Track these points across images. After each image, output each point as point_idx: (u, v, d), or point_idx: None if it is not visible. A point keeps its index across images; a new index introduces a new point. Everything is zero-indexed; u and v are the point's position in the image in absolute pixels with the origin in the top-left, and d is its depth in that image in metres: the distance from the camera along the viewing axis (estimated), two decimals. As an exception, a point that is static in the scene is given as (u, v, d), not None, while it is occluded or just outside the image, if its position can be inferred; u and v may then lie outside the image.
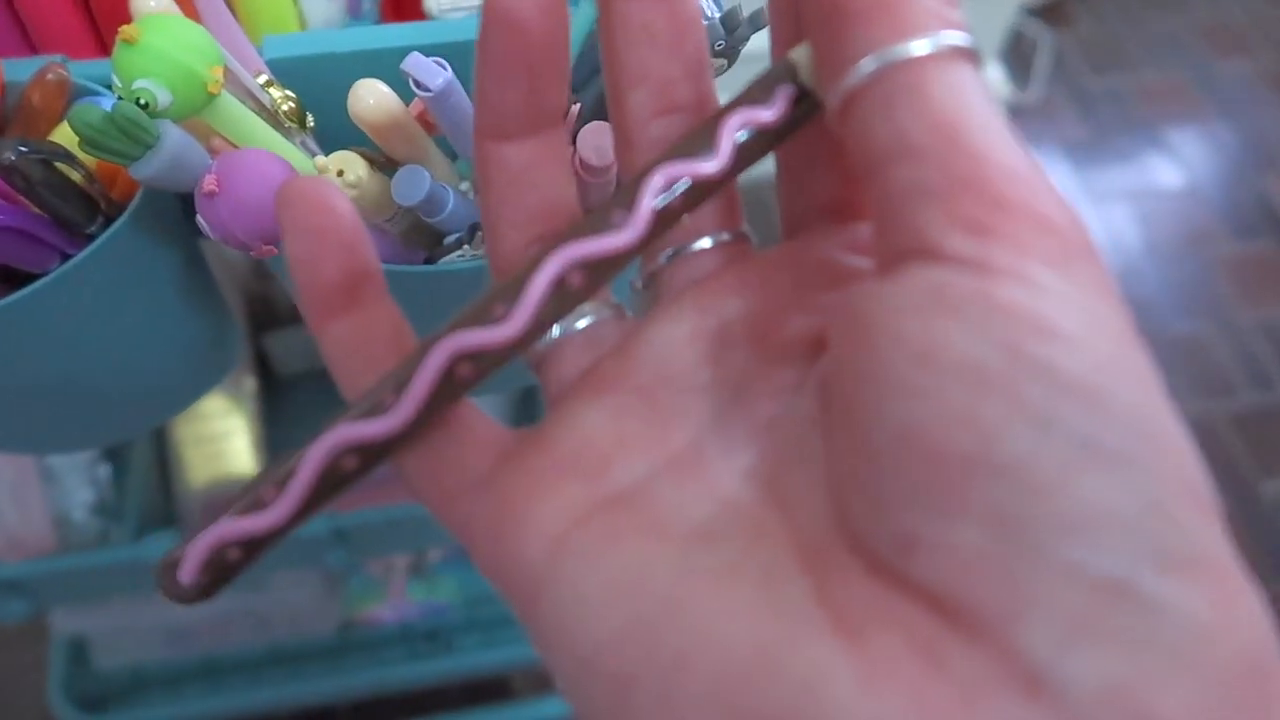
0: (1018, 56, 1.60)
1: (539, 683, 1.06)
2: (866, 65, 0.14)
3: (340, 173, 0.27)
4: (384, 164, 0.29)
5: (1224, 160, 1.51)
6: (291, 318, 0.70)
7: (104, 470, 0.66)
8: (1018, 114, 1.53)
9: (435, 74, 0.26)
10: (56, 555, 0.61)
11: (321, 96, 0.29)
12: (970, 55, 0.14)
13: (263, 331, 0.70)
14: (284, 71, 0.30)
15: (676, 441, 0.16)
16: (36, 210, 0.28)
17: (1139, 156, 1.51)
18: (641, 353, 0.17)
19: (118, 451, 0.68)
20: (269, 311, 0.69)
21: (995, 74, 1.40)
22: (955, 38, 0.14)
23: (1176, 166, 1.50)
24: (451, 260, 0.29)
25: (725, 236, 0.18)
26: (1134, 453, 0.12)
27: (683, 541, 0.15)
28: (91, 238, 0.29)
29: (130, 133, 0.23)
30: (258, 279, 0.67)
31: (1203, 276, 1.37)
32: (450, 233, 0.30)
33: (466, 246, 0.29)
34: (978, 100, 0.14)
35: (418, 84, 0.26)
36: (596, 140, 0.26)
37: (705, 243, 0.18)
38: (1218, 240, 1.41)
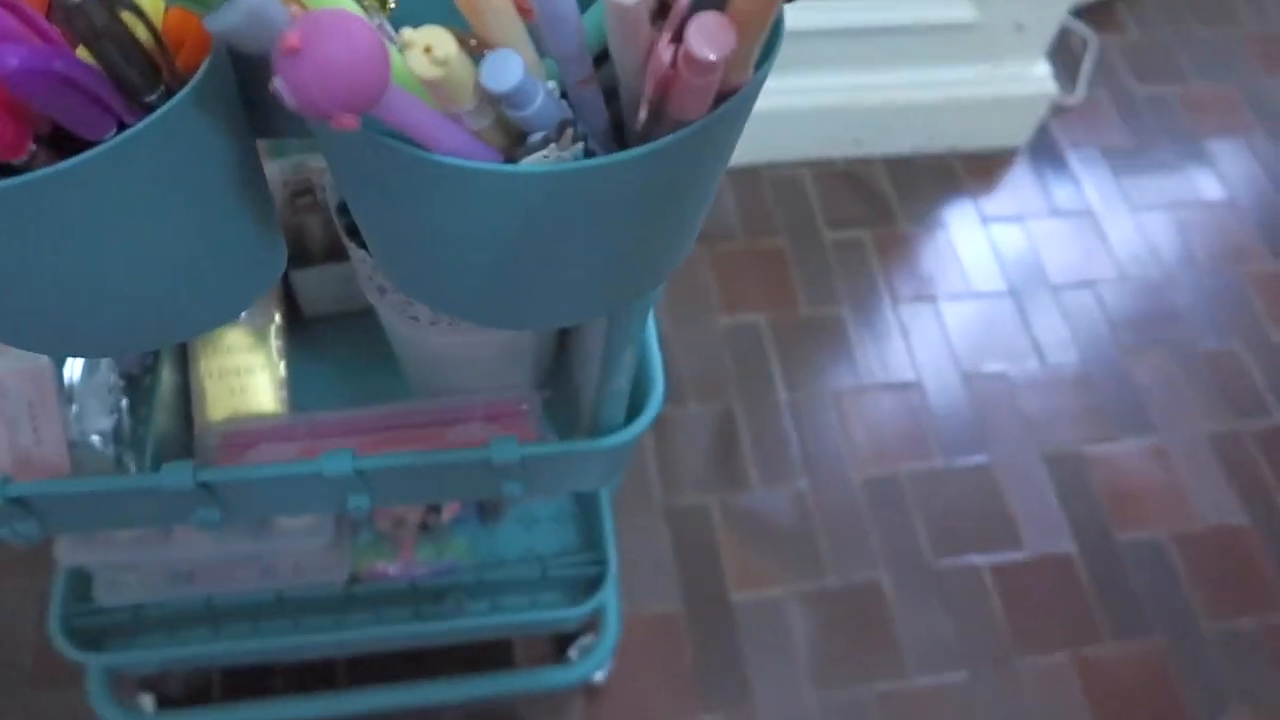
0: (1065, 57, 1.57)
1: (540, 654, 1.04)
2: None
3: (428, 49, 0.25)
4: (473, 49, 0.27)
5: (1265, 176, 1.48)
6: (325, 254, 0.67)
7: (123, 398, 0.64)
8: (1061, 115, 1.50)
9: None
10: (69, 479, 0.60)
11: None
12: None
13: (293, 267, 0.68)
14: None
15: None
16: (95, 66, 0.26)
17: (1179, 166, 1.48)
18: None
19: (137, 380, 0.66)
20: (301, 246, 0.67)
21: (1043, 71, 1.38)
22: None
23: (1216, 179, 1.47)
24: (536, 160, 0.27)
25: None
26: None
27: None
28: (149, 110, 0.27)
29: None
30: (292, 211, 0.65)
31: (1236, 292, 1.35)
32: (534, 131, 0.28)
33: (553, 145, 0.27)
34: None
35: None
36: (711, 31, 0.24)
37: None
38: (1254, 256, 1.39)
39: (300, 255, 0.68)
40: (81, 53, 0.25)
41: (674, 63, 0.26)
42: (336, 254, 0.67)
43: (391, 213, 0.33)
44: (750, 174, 1.43)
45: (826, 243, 1.37)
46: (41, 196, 0.26)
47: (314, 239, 0.67)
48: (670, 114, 0.28)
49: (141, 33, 0.25)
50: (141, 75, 0.26)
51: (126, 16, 0.24)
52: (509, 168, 0.26)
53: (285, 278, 0.69)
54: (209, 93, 0.28)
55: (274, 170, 0.65)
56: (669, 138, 0.26)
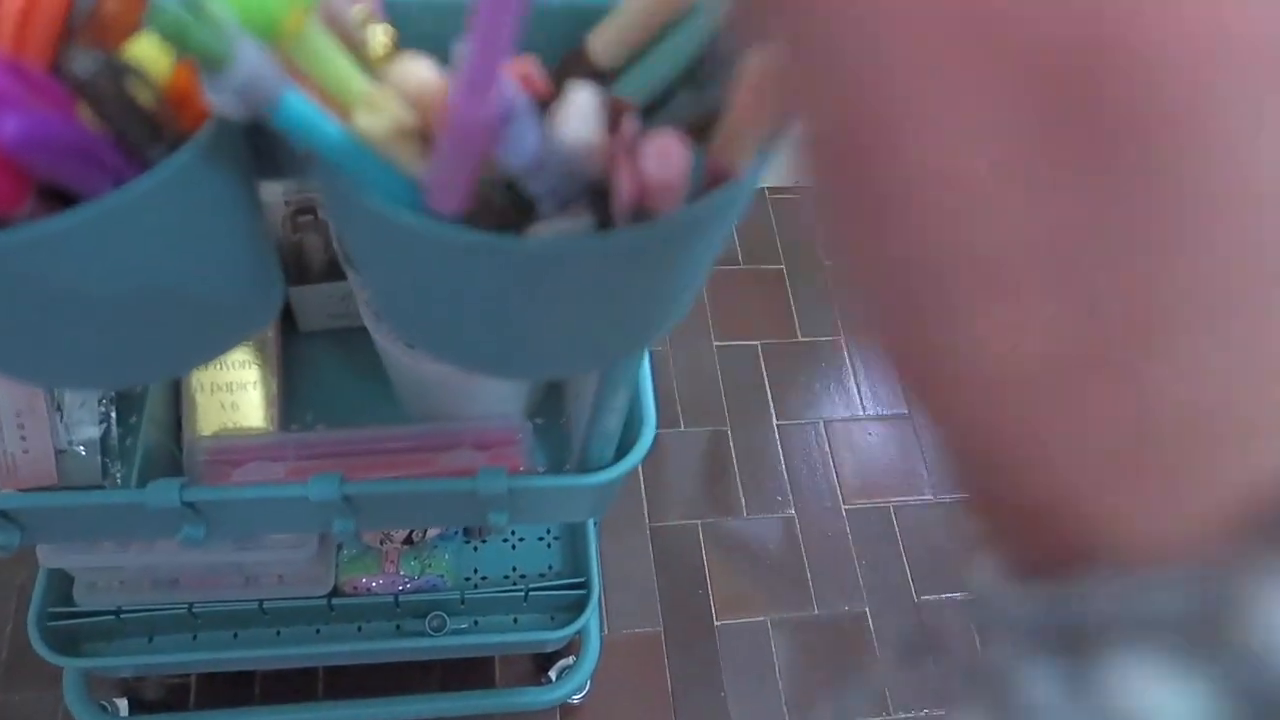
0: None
1: (520, 671, 1.04)
2: None
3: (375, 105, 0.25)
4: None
5: None
6: (323, 273, 0.67)
7: (112, 408, 0.64)
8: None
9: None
10: (55, 490, 0.59)
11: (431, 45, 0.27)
12: None
13: (291, 283, 0.67)
14: (399, 11, 0.28)
15: None
16: (96, 130, 0.25)
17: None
18: None
19: (128, 391, 0.65)
20: (300, 264, 0.67)
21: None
22: None
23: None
24: (546, 231, 0.27)
25: None
26: None
27: None
28: (147, 165, 0.27)
29: (210, 22, 0.21)
30: (294, 228, 0.65)
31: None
32: (541, 198, 0.28)
33: (561, 218, 0.27)
34: None
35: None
36: (663, 152, 0.24)
37: None
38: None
39: (300, 272, 0.67)
40: (83, 109, 0.25)
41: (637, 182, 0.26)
42: (335, 272, 0.67)
43: (386, 267, 0.33)
44: (754, 196, 1.43)
45: (826, 269, 1.37)
46: (42, 249, 0.26)
47: (314, 256, 0.67)
48: (651, 211, 0.27)
49: (146, 95, 0.25)
50: (144, 134, 0.25)
51: (132, 81, 0.24)
52: (519, 242, 0.26)
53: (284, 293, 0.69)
54: (214, 146, 0.28)
55: (277, 188, 0.65)
56: (653, 224, 0.26)
